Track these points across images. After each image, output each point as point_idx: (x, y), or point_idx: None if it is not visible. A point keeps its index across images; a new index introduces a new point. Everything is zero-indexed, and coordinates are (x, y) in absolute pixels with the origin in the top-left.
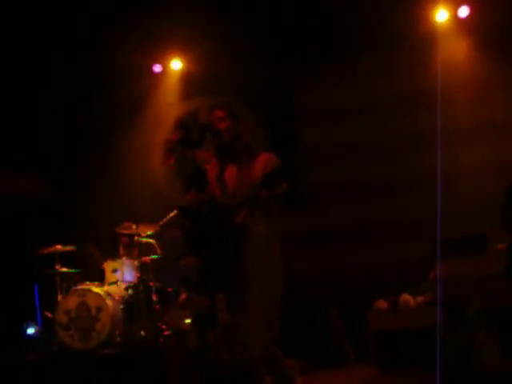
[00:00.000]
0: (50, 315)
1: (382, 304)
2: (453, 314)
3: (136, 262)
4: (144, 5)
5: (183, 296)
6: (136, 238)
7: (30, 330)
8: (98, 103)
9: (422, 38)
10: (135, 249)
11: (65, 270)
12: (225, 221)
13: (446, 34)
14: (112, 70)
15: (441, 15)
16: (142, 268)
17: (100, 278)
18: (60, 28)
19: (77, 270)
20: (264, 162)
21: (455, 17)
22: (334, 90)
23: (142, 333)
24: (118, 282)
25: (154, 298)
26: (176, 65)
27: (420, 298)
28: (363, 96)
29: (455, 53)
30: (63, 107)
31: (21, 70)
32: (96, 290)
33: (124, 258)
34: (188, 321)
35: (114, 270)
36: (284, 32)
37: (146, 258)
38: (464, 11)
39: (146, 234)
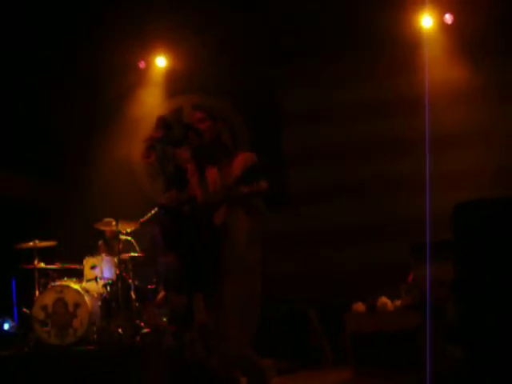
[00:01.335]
0: (26, 311)
1: (360, 307)
2: (431, 317)
3: (115, 259)
4: (130, 1)
5: (161, 294)
6: (117, 234)
7: (6, 326)
8: (81, 100)
9: (408, 43)
10: (116, 245)
11: (43, 265)
12: (205, 220)
13: (431, 39)
14: (96, 66)
15: (426, 21)
16: (121, 265)
17: (78, 274)
18: (46, 25)
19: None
20: (242, 161)
21: (441, 23)
22: (318, 91)
23: (120, 330)
24: (97, 279)
25: (133, 295)
26: (161, 62)
27: (398, 302)
28: (349, 98)
29: (441, 57)
30: (43, 105)
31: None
32: (74, 286)
33: (103, 255)
34: (165, 319)
35: (93, 267)
36: (270, 32)
37: (126, 255)
38: (449, 18)
39: (125, 230)
